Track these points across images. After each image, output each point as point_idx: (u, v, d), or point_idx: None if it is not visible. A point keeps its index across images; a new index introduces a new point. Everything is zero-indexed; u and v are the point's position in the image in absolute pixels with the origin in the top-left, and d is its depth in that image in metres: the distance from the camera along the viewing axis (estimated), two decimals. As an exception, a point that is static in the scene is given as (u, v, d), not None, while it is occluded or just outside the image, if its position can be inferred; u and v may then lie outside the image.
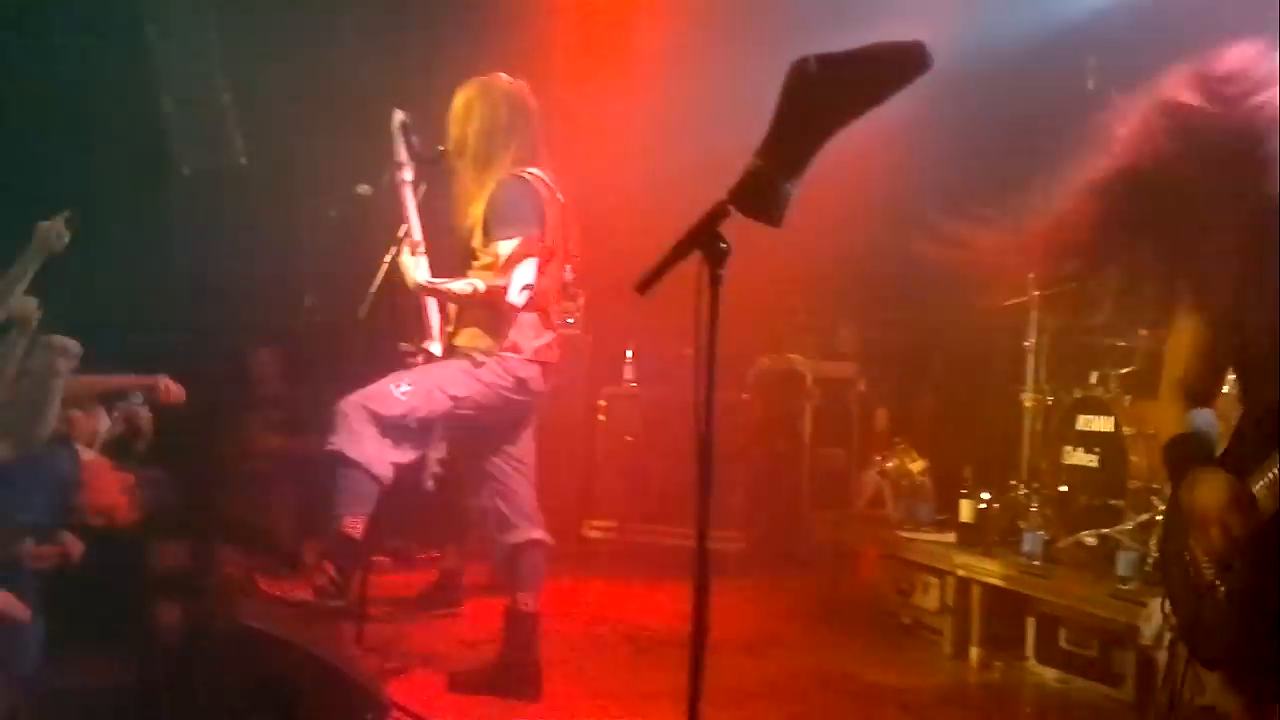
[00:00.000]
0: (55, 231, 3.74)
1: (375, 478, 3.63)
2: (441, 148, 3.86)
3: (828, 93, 1.91)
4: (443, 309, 3.92)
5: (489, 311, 3.76)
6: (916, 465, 5.40)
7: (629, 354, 6.50)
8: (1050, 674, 4.33)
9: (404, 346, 3.93)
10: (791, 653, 4.62)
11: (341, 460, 3.61)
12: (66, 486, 3.43)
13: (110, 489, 3.76)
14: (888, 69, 1.92)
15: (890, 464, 5.48)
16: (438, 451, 3.93)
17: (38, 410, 3.34)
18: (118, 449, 4.29)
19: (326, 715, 3.13)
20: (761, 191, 1.95)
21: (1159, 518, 4.07)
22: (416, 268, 3.78)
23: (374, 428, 3.63)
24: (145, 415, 4.39)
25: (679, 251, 2.01)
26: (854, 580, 5.47)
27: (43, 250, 3.71)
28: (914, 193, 5.97)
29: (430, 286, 3.80)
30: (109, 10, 5.50)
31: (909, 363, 6.62)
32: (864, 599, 5.32)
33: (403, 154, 3.88)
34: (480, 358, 3.77)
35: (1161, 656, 3.30)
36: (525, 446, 3.99)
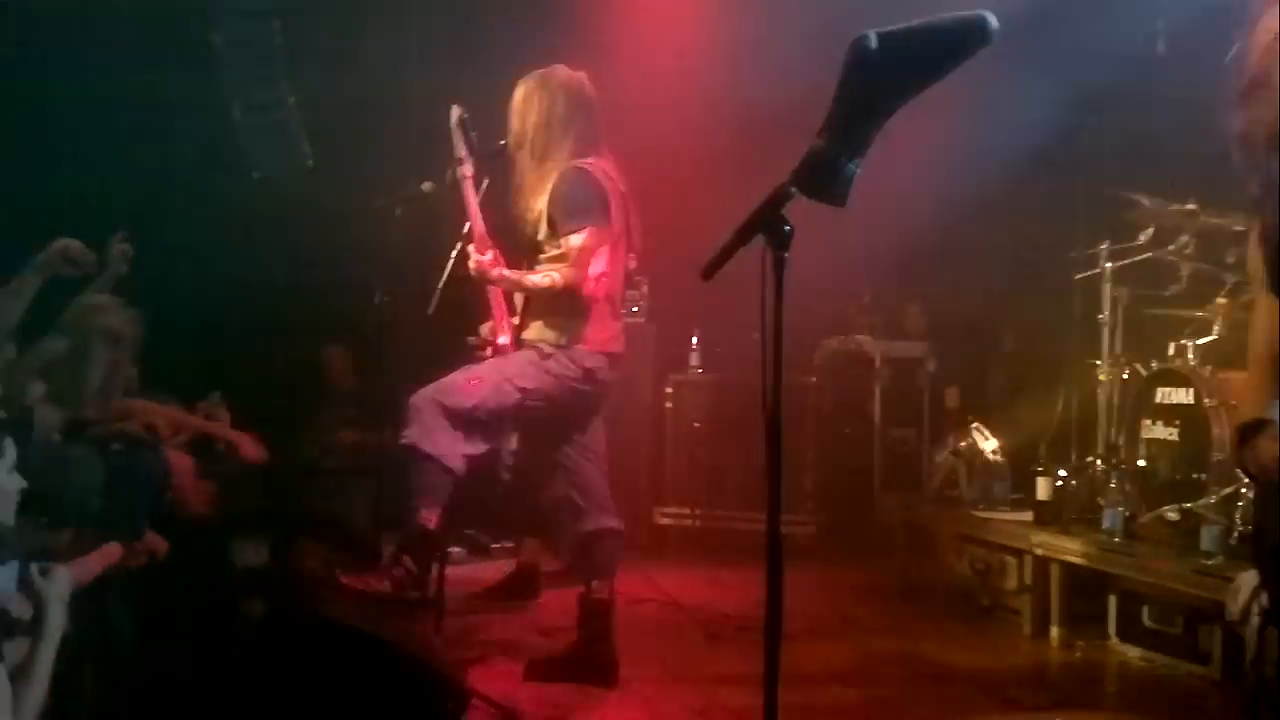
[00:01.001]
0: (121, 251, 3.84)
1: (448, 470, 3.68)
2: (502, 141, 3.89)
3: (888, 69, 1.88)
4: (509, 302, 3.95)
5: (559, 303, 3.78)
6: (990, 444, 5.33)
7: (694, 340, 6.49)
8: (1134, 653, 4.25)
9: (472, 340, 3.97)
10: (868, 636, 4.59)
11: (415, 454, 3.66)
12: (156, 491, 3.53)
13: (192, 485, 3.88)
14: (949, 43, 1.89)
15: (963, 443, 5.40)
16: (509, 443, 3.97)
17: (80, 370, 3.43)
18: (199, 448, 4.41)
19: (408, 705, 3.18)
20: (824, 172, 1.94)
21: (1243, 490, 3.97)
22: (494, 263, 3.80)
23: (446, 421, 3.68)
24: (225, 415, 4.50)
25: (742, 236, 2.00)
26: (929, 562, 5.42)
27: (116, 271, 3.81)
28: (977, 166, 5.90)
29: (511, 280, 3.82)
30: (175, 21, 5.63)
31: (980, 340, 6.52)
32: (940, 581, 5.27)
33: (462, 149, 3.90)
34: (548, 349, 3.80)
35: (1249, 633, 3.22)
36: (595, 436, 4.01)
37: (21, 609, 2.23)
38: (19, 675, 2.11)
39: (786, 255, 2.00)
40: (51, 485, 2.55)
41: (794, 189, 1.95)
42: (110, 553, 2.96)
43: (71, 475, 2.72)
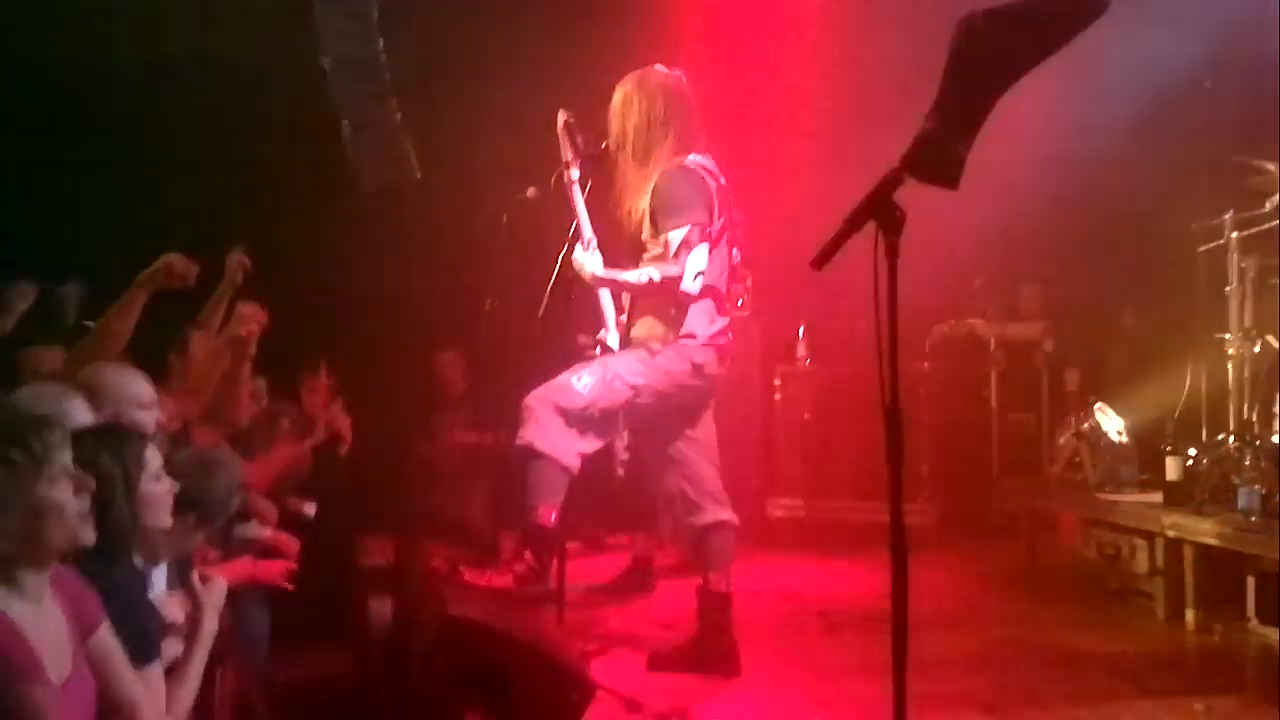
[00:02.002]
0: (238, 262, 4.02)
1: (564, 468, 3.74)
2: (605, 144, 3.92)
3: (997, 47, 1.85)
4: (617, 301, 3.99)
5: (664, 301, 3.80)
6: (1114, 424, 5.17)
7: (800, 331, 6.45)
8: (1275, 635, 4.10)
9: (582, 339, 4.02)
10: (993, 623, 4.51)
11: (531, 453, 3.73)
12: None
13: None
14: (1059, 17, 1.85)
15: (1086, 425, 5.25)
16: (622, 440, 4.00)
17: (231, 384, 3.60)
18: (322, 454, 4.56)
19: (534, 698, 3.24)
20: (935, 155, 1.92)
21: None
22: (591, 262, 3.85)
23: (560, 420, 3.73)
24: (346, 422, 4.64)
25: (854, 223, 1.99)
26: (1053, 547, 5.29)
27: (232, 281, 3.99)
28: (1090, 137, 5.73)
29: (607, 279, 3.86)
30: (286, 46, 5.82)
31: (1099, 318, 6.33)
32: (1066, 565, 5.14)
33: (569, 153, 3.96)
34: (656, 346, 3.82)
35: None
36: (706, 429, 4.02)
37: (173, 611, 2.34)
38: (173, 675, 2.22)
39: (898, 241, 1.98)
40: (197, 486, 2.65)
41: (905, 173, 1.93)
42: (247, 566, 3.10)
43: (215, 474, 2.83)
